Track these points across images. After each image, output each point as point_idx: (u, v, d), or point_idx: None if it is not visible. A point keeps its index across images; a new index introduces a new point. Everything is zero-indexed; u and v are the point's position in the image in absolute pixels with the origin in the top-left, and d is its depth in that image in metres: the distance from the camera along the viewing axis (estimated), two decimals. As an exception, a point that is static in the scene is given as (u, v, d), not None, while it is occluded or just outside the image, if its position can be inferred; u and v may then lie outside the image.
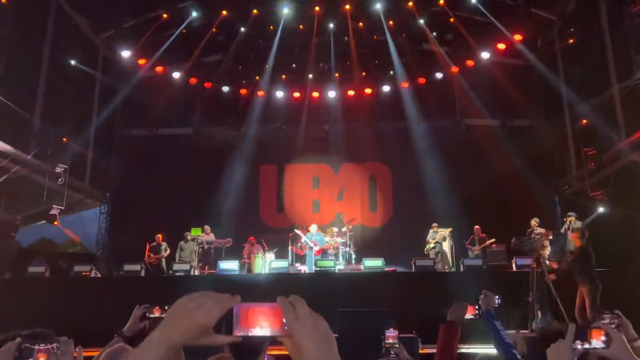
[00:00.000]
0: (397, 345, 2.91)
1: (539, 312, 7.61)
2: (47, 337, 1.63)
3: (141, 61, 14.87)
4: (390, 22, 14.67)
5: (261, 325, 1.05)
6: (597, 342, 1.68)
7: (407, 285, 9.43)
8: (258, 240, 12.43)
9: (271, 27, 14.91)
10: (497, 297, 2.94)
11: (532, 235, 10.49)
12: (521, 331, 7.59)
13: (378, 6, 14.21)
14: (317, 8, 14.38)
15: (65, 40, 13.23)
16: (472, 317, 2.87)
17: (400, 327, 6.76)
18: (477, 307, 2.91)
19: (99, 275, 10.97)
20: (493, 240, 11.90)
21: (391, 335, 2.96)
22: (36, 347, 1.54)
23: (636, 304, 7.76)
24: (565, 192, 14.41)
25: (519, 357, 2.70)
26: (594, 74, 12.33)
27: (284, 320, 1.01)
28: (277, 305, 1.03)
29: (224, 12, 14.48)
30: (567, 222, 11.01)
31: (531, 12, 13.61)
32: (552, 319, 7.49)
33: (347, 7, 14.44)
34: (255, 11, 14.46)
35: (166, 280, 10.64)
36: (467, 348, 5.59)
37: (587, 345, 1.68)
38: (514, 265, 10.22)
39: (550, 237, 10.37)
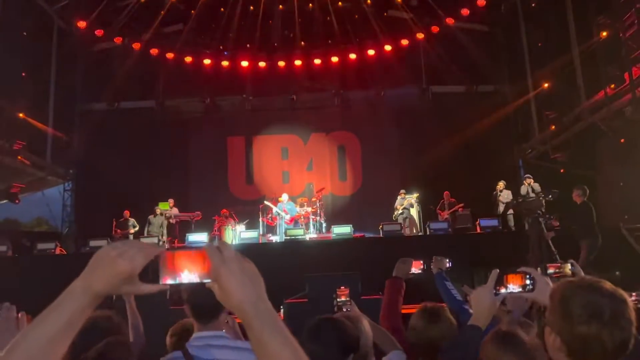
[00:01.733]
0: (348, 302, 2.98)
1: (539, 270, 7.83)
2: None
3: (98, 32, 14.30)
4: (355, -12, 14.46)
5: (189, 269, 1.02)
6: (514, 286, 1.72)
7: (374, 250, 9.58)
8: (230, 213, 12.37)
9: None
10: (447, 260, 3.05)
11: (531, 194, 10.68)
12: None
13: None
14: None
15: (15, 10, 12.55)
16: (417, 271, 2.97)
17: (368, 289, 6.91)
18: (424, 264, 3.02)
19: (64, 253, 10.77)
20: (462, 204, 12.16)
21: (342, 293, 3.02)
22: None
23: (597, 262, 8.14)
24: (529, 155, 14.76)
25: (470, 311, 2.81)
26: (555, 38, 12.50)
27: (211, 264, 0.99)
28: (204, 250, 1.01)
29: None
30: (526, 184, 11.33)
31: (494, -25, 13.61)
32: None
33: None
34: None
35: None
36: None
37: (503, 290, 1.72)
38: (478, 227, 10.50)
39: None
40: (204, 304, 1.83)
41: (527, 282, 1.70)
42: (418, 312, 2.44)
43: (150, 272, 1.05)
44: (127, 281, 0.97)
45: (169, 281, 1.02)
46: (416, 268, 3.00)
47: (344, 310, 2.95)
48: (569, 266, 2.62)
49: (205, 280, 1.00)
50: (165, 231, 12.15)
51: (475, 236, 10.41)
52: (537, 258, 8.02)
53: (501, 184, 12.17)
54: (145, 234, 11.74)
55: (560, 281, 1.39)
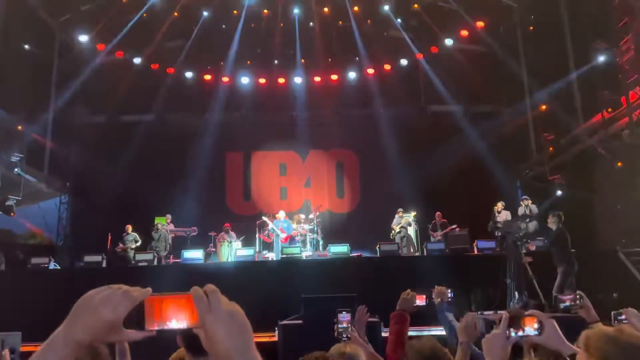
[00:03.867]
0: (350, 330, 2.94)
1: (516, 293, 7.81)
2: None
3: (100, 46, 14.39)
4: (355, 8, 14.62)
5: (177, 317, 0.99)
6: (530, 329, 1.70)
7: (371, 270, 9.53)
8: (232, 228, 12.30)
9: (235, 11, 14.63)
10: (449, 290, 3.04)
11: (510, 219, 10.69)
12: (486, 312, 7.79)
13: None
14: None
15: (18, 22, 12.63)
16: (421, 304, 2.96)
17: (363, 311, 6.83)
18: (427, 296, 3.01)
19: (58, 267, 10.68)
20: (455, 225, 12.11)
21: (344, 320, 2.98)
22: None
23: (594, 285, 8.12)
24: (526, 176, 14.78)
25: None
26: (553, 61, 12.62)
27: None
28: (191, 296, 0.98)
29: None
30: (523, 206, 11.31)
31: (493, -1, 13.79)
32: (528, 299, 7.71)
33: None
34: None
35: (128, 270, 10.43)
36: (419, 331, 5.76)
37: (520, 333, 1.70)
38: (475, 248, 10.45)
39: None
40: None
41: (536, 325, 1.68)
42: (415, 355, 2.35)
43: (135, 316, 1.02)
44: (110, 329, 0.94)
45: (156, 327, 0.99)
46: (420, 301, 3.00)
47: (344, 337, 2.90)
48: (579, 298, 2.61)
49: (193, 327, 0.98)
50: (167, 245, 12.05)
51: (472, 258, 10.35)
52: (515, 282, 7.99)
53: (500, 205, 12.05)
54: (149, 250, 11.59)
55: (595, 332, 1.36)
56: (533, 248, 9.45)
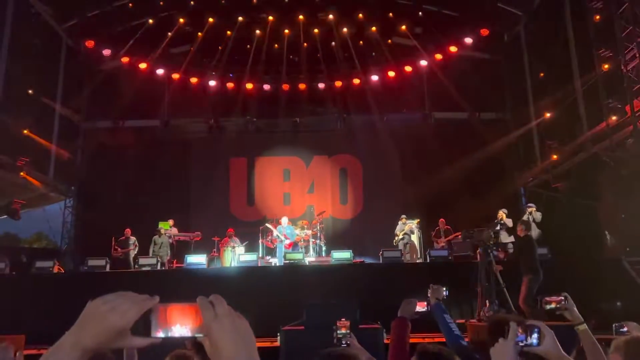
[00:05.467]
0: (349, 335, 2.94)
1: (487, 302, 7.80)
2: None
3: (106, 51, 14.50)
4: (360, 15, 14.68)
5: (182, 323, 1.02)
6: (533, 338, 1.71)
7: (374, 277, 9.50)
8: (235, 233, 12.33)
9: (240, 18, 14.72)
10: (444, 289, 3.04)
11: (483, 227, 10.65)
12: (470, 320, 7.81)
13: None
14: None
15: (25, 29, 12.76)
16: (422, 310, 2.96)
17: (366, 317, 6.84)
18: (426, 301, 3.01)
19: (62, 271, 10.71)
20: (459, 233, 12.07)
21: (342, 325, 2.98)
22: None
23: (596, 291, 8.09)
24: (530, 183, 14.75)
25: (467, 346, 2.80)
26: (557, 69, 12.62)
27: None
28: (197, 305, 1.01)
29: (192, 2, 14.23)
30: (527, 213, 11.26)
31: (497, 7, 13.81)
32: (499, 308, 7.69)
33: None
34: (223, 0, 14.24)
35: (132, 275, 10.45)
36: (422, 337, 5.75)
37: (528, 341, 1.72)
38: (479, 256, 10.39)
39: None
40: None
41: (535, 334, 1.69)
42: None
43: (141, 323, 1.04)
44: (118, 335, 0.95)
45: (161, 334, 1.01)
46: (421, 307, 3.01)
47: (344, 343, 2.91)
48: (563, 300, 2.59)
49: (197, 335, 1.00)
50: (169, 251, 12.07)
51: (475, 264, 10.30)
52: (485, 290, 7.97)
53: (502, 213, 11.91)
54: (151, 254, 11.56)
55: (635, 339, 1.37)
56: (502, 256, 9.41)
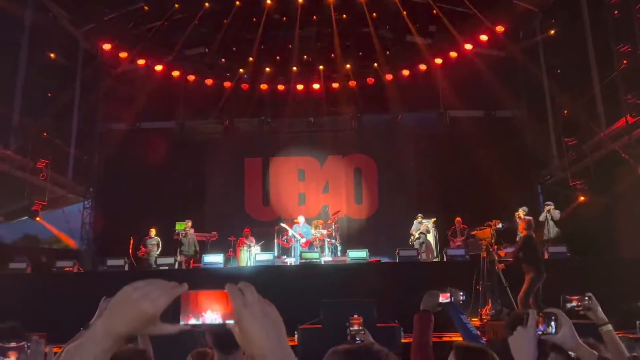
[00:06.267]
0: (362, 331, 2.94)
1: (490, 300, 7.74)
2: (17, 333, 1.61)
3: (122, 54, 14.69)
4: (374, 14, 14.64)
5: (212, 309, 1.02)
6: (551, 327, 1.71)
7: (390, 276, 9.48)
8: (251, 233, 12.40)
9: (254, 19, 14.78)
10: (461, 293, 3.01)
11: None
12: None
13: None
14: (300, 0, 14.29)
15: (43, 33, 12.98)
16: (445, 302, 2.91)
17: (383, 316, 6.83)
18: (451, 296, 2.98)
19: (82, 271, 10.88)
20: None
21: (355, 321, 2.99)
22: (7, 345, 1.52)
23: (616, 291, 7.96)
24: (548, 181, 14.57)
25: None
26: (574, 65, 12.44)
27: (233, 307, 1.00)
28: (225, 292, 1.01)
29: (207, 4, 14.32)
30: (545, 211, 11.12)
31: (513, 3, 13.66)
32: (501, 307, 7.62)
33: (331, -1, 14.38)
34: (238, 2, 14.31)
35: (150, 274, 10.52)
36: (450, 337, 5.70)
37: (546, 330, 1.71)
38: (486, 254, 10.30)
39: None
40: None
41: (553, 322, 1.69)
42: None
43: (170, 311, 1.05)
44: (148, 322, 0.97)
45: (192, 321, 1.02)
46: (444, 298, 2.93)
47: (357, 339, 2.91)
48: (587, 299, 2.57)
49: (228, 321, 1.01)
50: (196, 248, 12.30)
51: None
52: (487, 288, 7.88)
53: (521, 211, 11.73)
54: (178, 255, 11.76)
55: None
56: (503, 254, 9.32)
